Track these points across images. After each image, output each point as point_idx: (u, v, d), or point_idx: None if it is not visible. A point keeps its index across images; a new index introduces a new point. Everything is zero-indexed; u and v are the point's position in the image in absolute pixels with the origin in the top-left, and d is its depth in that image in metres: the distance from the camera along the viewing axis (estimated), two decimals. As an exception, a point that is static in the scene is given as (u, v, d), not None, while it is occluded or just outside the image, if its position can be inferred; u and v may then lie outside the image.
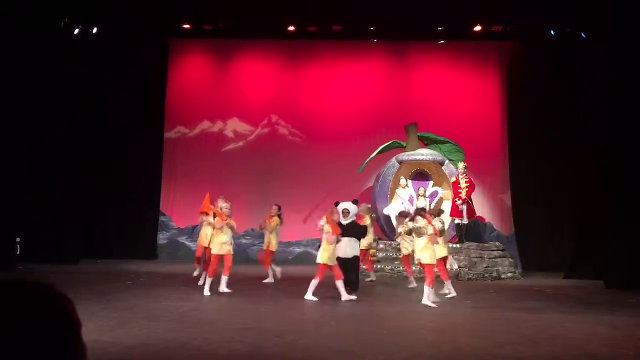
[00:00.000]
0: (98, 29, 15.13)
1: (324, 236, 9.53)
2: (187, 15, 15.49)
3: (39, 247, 13.61)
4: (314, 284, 9.32)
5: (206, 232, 10.49)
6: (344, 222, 10.09)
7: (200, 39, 16.84)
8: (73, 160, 14.69)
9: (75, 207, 14.50)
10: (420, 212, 9.93)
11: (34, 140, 14.09)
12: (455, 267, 12.65)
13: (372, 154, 15.05)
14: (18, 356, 0.99)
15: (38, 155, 14.16)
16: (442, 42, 15.85)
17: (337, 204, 10.60)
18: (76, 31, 14.83)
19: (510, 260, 13.42)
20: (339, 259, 10.18)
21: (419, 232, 9.34)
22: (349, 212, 10.07)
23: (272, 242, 11.53)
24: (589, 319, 7.80)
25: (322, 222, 9.74)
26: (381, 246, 13.31)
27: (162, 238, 16.65)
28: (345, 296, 9.26)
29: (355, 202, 10.46)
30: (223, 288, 9.59)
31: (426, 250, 9.22)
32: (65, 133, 14.54)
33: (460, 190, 13.37)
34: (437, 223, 9.66)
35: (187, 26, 15.88)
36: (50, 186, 14.12)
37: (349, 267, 9.93)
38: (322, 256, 9.46)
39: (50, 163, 14.25)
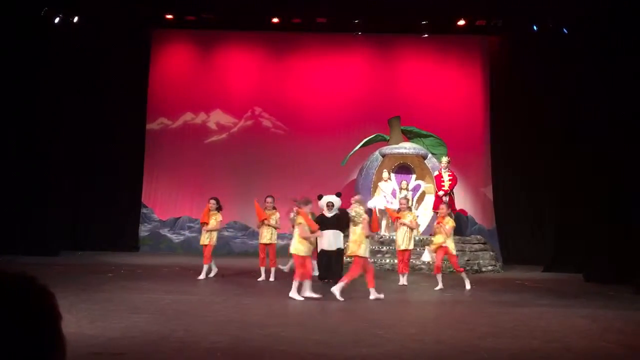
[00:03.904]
0: (79, 18, 14.90)
1: (296, 228, 8.80)
2: (170, 5, 15.32)
3: (17, 239, 13.42)
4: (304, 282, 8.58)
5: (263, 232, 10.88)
6: (328, 214, 10.09)
7: (183, 29, 16.68)
8: (53, 151, 14.49)
9: (55, 198, 14.33)
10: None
11: (14, 130, 13.87)
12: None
13: (355, 147, 15.07)
14: None
15: (18, 146, 13.93)
16: (426, 35, 15.88)
17: (320, 197, 10.59)
18: (56, 20, 14.59)
19: (491, 253, 13.52)
20: (322, 252, 10.19)
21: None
22: (332, 205, 10.07)
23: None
24: (568, 312, 7.90)
25: (292, 214, 9.55)
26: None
27: (144, 230, 16.53)
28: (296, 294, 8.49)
29: (338, 195, 10.46)
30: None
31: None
32: (45, 123, 14.31)
33: (442, 183, 13.45)
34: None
35: (169, 16, 15.72)
36: (30, 177, 13.91)
37: (333, 259, 9.95)
38: (297, 248, 8.66)
39: (30, 154, 14.02)
